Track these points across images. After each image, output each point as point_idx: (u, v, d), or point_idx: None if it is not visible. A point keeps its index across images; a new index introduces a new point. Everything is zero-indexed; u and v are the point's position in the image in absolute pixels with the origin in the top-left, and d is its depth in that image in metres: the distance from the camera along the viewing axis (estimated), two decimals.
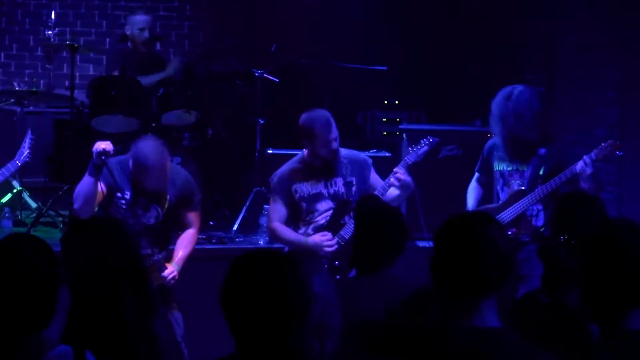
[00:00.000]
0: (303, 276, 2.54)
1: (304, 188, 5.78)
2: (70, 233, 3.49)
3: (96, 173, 5.28)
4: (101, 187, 5.31)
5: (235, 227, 7.38)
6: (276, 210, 5.82)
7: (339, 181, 5.78)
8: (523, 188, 5.69)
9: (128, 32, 7.94)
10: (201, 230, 7.27)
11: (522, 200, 5.65)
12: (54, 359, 2.72)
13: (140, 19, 7.95)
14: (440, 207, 6.39)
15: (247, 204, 7.54)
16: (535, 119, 5.69)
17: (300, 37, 8.33)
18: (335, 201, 5.76)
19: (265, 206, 7.71)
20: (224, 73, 8.50)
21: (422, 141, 5.79)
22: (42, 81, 8.62)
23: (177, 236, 5.72)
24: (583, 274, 2.86)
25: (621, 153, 5.52)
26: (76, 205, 5.41)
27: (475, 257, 2.60)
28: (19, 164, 6.46)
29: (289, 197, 5.78)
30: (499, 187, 5.89)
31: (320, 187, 5.78)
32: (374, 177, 5.86)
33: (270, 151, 7.67)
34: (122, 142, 6.51)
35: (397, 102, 9.00)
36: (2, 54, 9.42)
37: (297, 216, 5.82)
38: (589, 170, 5.40)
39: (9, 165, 6.44)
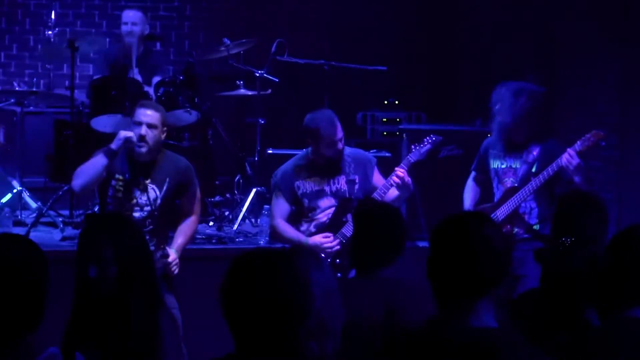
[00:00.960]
0: (302, 276, 2.54)
1: (307, 185, 5.78)
2: (89, 228, 3.50)
3: (111, 157, 5.35)
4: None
5: (235, 227, 7.38)
6: (278, 207, 5.82)
7: (342, 179, 5.79)
8: (515, 185, 5.70)
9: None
10: (201, 230, 7.32)
11: (514, 196, 5.65)
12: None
13: (125, 13, 7.95)
14: (440, 207, 6.40)
15: (247, 204, 7.54)
16: (528, 117, 5.69)
17: (300, 37, 8.32)
18: (337, 199, 5.77)
19: (266, 206, 7.70)
20: (224, 73, 8.49)
21: (424, 140, 5.79)
22: (42, 81, 8.62)
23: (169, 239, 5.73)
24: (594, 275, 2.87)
25: (604, 143, 5.51)
26: (78, 183, 5.45)
27: (471, 257, 2.60)
28: None
29: (291, 194, 5.78)
30: (494, 185, 5.90)
31: (322, 185, 5.78)
32: (377, 177, 5.86)
33: (270, 151, 7.67)
34: None
35: (397, 102, 9.00)
36: (2, 54, 9.42)
37: (300, 213, 5.82)
38: (574, 162, 5.39)
39: None
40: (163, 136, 5.59)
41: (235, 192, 7.95)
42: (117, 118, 7.31)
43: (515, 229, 5.68)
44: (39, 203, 7.52)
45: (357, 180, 5.79)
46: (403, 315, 3.82)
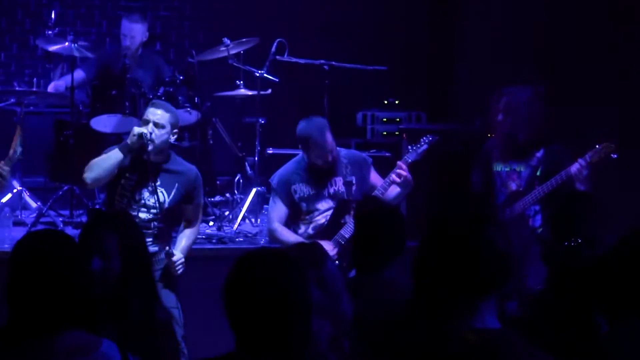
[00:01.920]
0: (305, 277, 2.55)
1: (304, 188, 5.79)
2: (94, 223, 3.54)
3: (126, 153, 5.37)
4: None
5: (235, 227, 7.38)
6: (276, 211, 5.83)
7: (339, 181, 5.79)
8: (520, 189, 5.70)
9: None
10: (201, 230, 7.32)
11: (520, 200, 5.65)
12: (105, 354, 2.74)
13: (124, 24, 7.91)
14: (440, 207, 6.39)
15: (247, 204, 7.54)
16: (532, 120, 5.69)
17: (300, 37, 8.32)
18: (335, 201, 5.77)
19: (266, 206, 7.70)
20: (224, 73, 8.49)
21: (422, 140, 5.80)
22: (42, 81, 8.62)
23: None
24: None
25: (616, 156, 5.52)
26: (91, 176, 5.47)
27: (474, 258, 2.60)
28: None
29: (288, 198, 5.79)
30: (497, 188, 5.89)
31: (320, 187, 5.79)
32: (374, 177, 5.86)
33: (270, 151, 7.68)
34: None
35: (397, 102, 9.00)
36: (2, 54, 9.42)
37: (298, 216, 5.83)
38: (584, 172, 5.41)
39: None
40: (172, 138, 5.58)
41: (235, 192, 7.95)
42: (117, 118, 7.31)
43: (520, 233, 5.67)
44: (39, 203, 7.52)
45: (354, 182, 5.80)
46: (404, 314, 3.82)
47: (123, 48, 7.83)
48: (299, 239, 5.70)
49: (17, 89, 8.33)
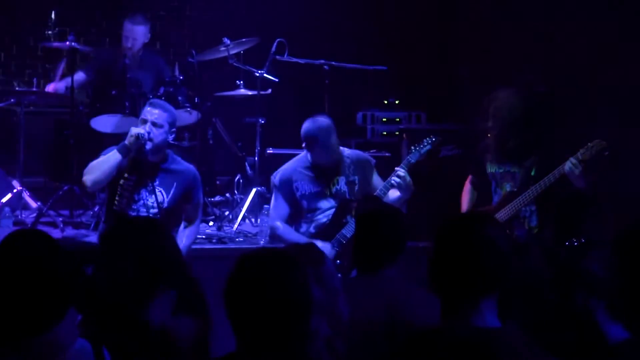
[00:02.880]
0: (306, 277, 2.55)
1: (306, 186, 5.79)
2: (119, 230, 3.52)
3: (125, 154, 5.37)
4: None
5: (235, 227, 7.38)
6: (277, 209, 5.83)
7: (342, 180, 5.79)
8: (514, 190, 5.70)
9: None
10: (201, 230, 7.32)
11: (514, 201, 5.65)
12: (74, 355, 2.72)
13: (126, 26, 7.90)
14: (440, 207, 6.40)
15: (247, 204, 7.54)
16: (518, 123, 5.69)
17: (300, 37, 8.32)
18: (337, 200, 5.77)
19: (266, 206, 7.70)
20: (224, 73, 8.49)
21: (424, 140, 5.79)
22: (42, 81, 8.62)
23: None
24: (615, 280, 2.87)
25: (608, 153, 5.52)
26: (91, 178, 5.47)
27: (475, 257, 2.60)
28: None
29: (290, 195, 5.79)
30: (492, 189, 5.90)
31: (322, 186, 5.79)
32: (377, 178, 5.87)
33: (270, 151, 7.67)
34: None
35: (397, 102, 9.00)
36: (2, 54, 9.42)
37: (299, 214, 5.82)
38: (577, 170, 5.41)
39: None
40: (171, 137, 5.60)
41: (235, 192, 7.95)
42: (117, 118, 7.32)
43: (515, 233, 5.68)
44: (39, 203, 7.52)
45: (357, 182, 5.80)
46: (405, 314, 3.83)
47: (124, 49, 7.83)
48: (301, 237, 5.70)
49: (17, 89, 8.32)
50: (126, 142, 5.48)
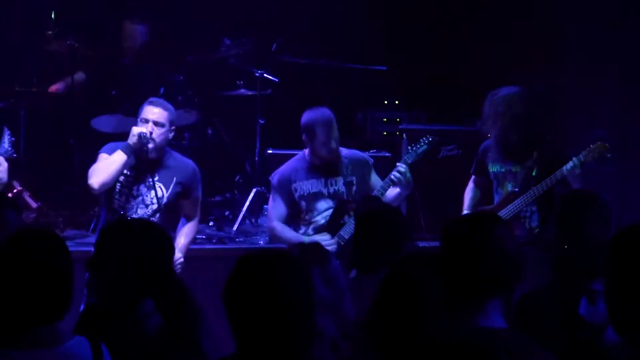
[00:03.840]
0: (307, 278, 2.55)
1: (304, 187, 5.79)
2: (117, 232, 3.53)
3: (130, 153, 5.38)
4: None
5: (235, 227, 7.37)
6: (276, 209, 5.83)
7: (339, 181, 5.79)
8: (516, 190, 5.69)
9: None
10: (201, 229, 7.32)
11: (515, 201, 5.65)
12: (71, 348, 2.73)
13: (127, 26, 7.91)
14: (440, 207, 6.40)
15: (247, 204, 7.54)
16: (519, 122, 5.69)
17: (300, 37, 8.32)
18: (335, 201, 5.77)
19: (265, 206, 7.69)
20: (224, 73, 8.49)
21: (421, 140, 5.79)
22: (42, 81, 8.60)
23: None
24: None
25: (610, 155, 5.52)
26: (98, 181, 5.46)
27: (482, 257, 2.60)
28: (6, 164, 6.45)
29: (289, 196, 5.79)
30: (494, 189, 5.90)
31: (320, 186, 5.79)
32: (375, 178, 5.86)
33: (270, 151, 7.67)
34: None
35: (397, 102, 9.00)
36: (2, 54, 9.41)
37: (297, 215, 5.82)
38: (578, 172, 5.42)
39: None
40: (171, 135, 5.61)
41: (235, 192, 7.95)
42: (117, 118, 7.32)
43: (515, 233, 5.67)
44: (39, 203, 7.52)
45: (354, 182, 5.79)
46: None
47: (124, 48, 7.83)
48: (299, 237, 5.69)
49: (17, 89, 8.32)
50: (129, 141, 5.48)
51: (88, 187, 5.58)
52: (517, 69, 7.95)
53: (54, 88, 8.05)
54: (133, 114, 7.17)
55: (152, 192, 5.46)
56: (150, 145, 5.45)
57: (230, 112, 8.55)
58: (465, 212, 6.05)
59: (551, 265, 3.92)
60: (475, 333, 2.56)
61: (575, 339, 3.37)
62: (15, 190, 7.52)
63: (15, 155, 6.52)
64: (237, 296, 2.50)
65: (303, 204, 5.78)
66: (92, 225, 7.05)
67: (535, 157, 5.72)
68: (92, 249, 3.42)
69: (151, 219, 5.47)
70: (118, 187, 5.50)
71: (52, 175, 7.86)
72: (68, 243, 6.70)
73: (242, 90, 7.93)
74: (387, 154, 7.58)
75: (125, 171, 5.51)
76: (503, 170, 5.83)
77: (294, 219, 5.85)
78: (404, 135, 7.47)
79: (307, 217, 5.80)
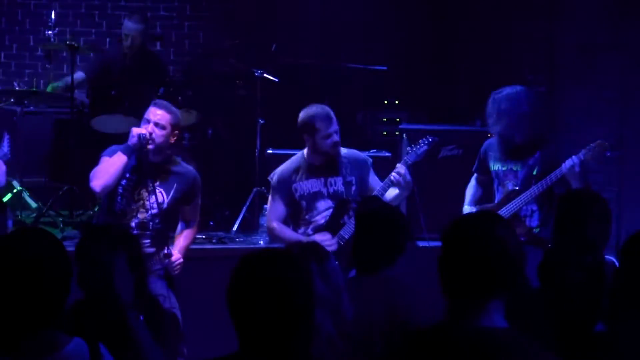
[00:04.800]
0: (309, 277, 2.56)
1: (304, 186, 5.78)
2: (94, 238, 3.60)
3: (130, 154, 5.38)
4: None
5: (235, 227, 7.38)
6: (275, 209, 5.83)
7: (339, 180, 5.78)
8: (517, 188, 5.70)
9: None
10: (201, 230, 7.32)
11: (516, 200, 5.66)
12: (71, 352, 2.71)
13: (125, 24, 7.91)
14: (440, 207, 6.41)
15: (247, 204, 7.54)
16: (524, 120, 5.69)
17: (300, 37, 8.33)
18: (334, 200, 5.76)
19: (266, 206, 7.70)
20: (224, 73, 8.50)
21: (421, 141, 5.78)
22: (42, 81, 8.62)
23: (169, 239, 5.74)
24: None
25: (609, 154, 5.53)
26: (100, 183, 5.46)
27: (484, 257, 2.60)
28: (4, 167, 6.47)
29: (288, 196, 5.78)
30: (495, 187, 5.90)
31: (319, 186, 5.78)
32: (373, 178, 5.86)
33: (270, 151, 7.67)
34: (122, 143, 6.51)
35: (397, 102, 9.00)
36: (2, 54, 9.42)
37: (297, 215, 5.82)
38: (578, 170, 5.42)
39: None
40: (173, 139, 5.58)
41: (236, 192, 7.95)
42: (117, 118, 7.32)
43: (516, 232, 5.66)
44: (39, 203, 7.52)
45: (354, 182, 5.78)
46: (404, 313, 3.83)
47: (124, 48, 7.84)
48: (299, 236, 5.68)
49: (17, 89, 8.33)
50: (129, 142, 5.48)
51: (91, 190, 5.59)
52: (517, 68, 7.96)
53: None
54: (133, 114, 7.19)
55: (153, 197, 5.45)
56: (150, 147, 5.45)
57: (230, 112, 8.56)
58: (465, 207, 6.06)
59: (538, 267, 3.92)
60: (476, 332, 2.56)
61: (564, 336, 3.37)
62: (15, 190, 7.54)
63: (9, 157, 6.53)
64: (240, 295, 2.50)
65: (304, 203, 5.78)
66: None
67: (537, 157, 5.72)
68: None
69: (150, 223, 5.48)
70: (120, 190, 5.51)
71: (52, 175, 7.86)
72: (68, 243, 6.75)
73: (242, 90, 7.93)
74: (387, 154, 7.58)
75: (126, 174, 5.50)
76: (504, 169, 5.83)
77: (293, 218, 5.85)
78: (404, 135, 7.47)
79: (307, 217, 5.80)
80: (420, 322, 3.53)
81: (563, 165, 5.49)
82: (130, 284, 3.70)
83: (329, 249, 5.55)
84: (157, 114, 5.53)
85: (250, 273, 2.52)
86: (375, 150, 7.60)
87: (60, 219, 7.34)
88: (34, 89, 8.08)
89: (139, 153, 5.47)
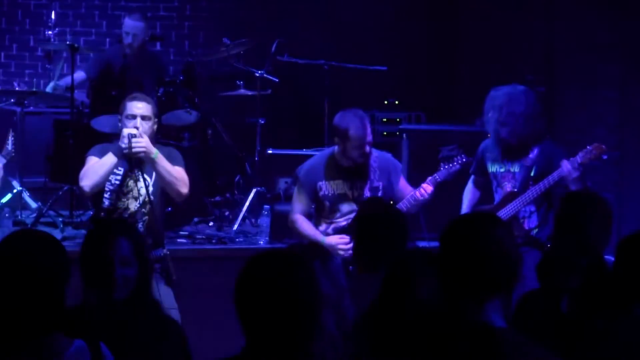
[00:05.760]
0: (316, 278, 2.57)
1: (330, 187, 5.70)
2: (102, 231, 3.61)
3: (120, 156, 5.38)
4: None
5: (235, 227, 7.37)
6: (300, 203, 5.76)
7: (366, 186, 5.70)
8: (515, 190, 5.69)
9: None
10: (201, 230, 7.32)
11: (514, 202, 5.64)
12: (72, 357, 2.70)
13: (127, 22, 7.92)
14: (440, 207, 6.39)
15: (247, 204, 7.54)
16: (521, 121, 5.67)
17: (300, 37, 8.32)
18: (359, 204, 5.66)
19: (266, 206, 7.71)
20: (224, 73, 8.50)
21: (455, 159, 5.73)
22: (42, 81, 8.62)
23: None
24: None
25: (607, 157, 5.52)
26: (89, 183, 5.45)
27: (481, 257, 2.60)
28: (4, 161, 6.48)
29: (313, 193, 5.72)
30: (493, 188, 5.89)
31: (345, 189, 5.70)
32: (403, 183, 5.79)
33: (270, 151, 7.67)
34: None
35: (397, 102, 9.00)
36: (2, 54, 9.43)
37: (320, 213, 5.76)
38: (575, 174, 5.42)
39: None
40: (155, 127, 5.58)
41: (235, 192, 7.95)
42: (117, 118, 7.31)
43: (514, 233, 5.65)
44: (39, 203, 7.52)
45: (380, 187, 5.69)
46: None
47: (125, 46, 7.84)
48: (318, 234, 5.63)
49: (17, 89, 8.33)
50: (121, 144, 5.43)
51: (81, 190, 5.58)
52: (517, 68, 7.96)
53: (50, 87, 8.06)
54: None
55: (138, 184, 5.44)
56: (142, 154, 5.41)
57: (230, 112, 8.56)
58: (464, 212, 6.03)
59: (537, 268, 3.92)
60: (475, 333, 2.56)
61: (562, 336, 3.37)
62: (15, 190, 7.53)
63: (13, 154, 6.55)
64: (248, 295, 2.51)
65: (327, 203, 5.71)
66: None
67: (533, 157, 5.71)
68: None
69: (141, 211, 5.46)
70: (107, 187, 5.49)
71: (52, 175, 7.85)
72: (68, 243, 6.74)
73: (242, 90, 7.93)
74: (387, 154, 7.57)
75: (114, 171, 5.49)
76: (502, 170, 5.81)
77: (317, 215, 5.78)
78: (404, 135, 7.47)
79: (329, 217, 5.74)
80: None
81: (561, 168, 5.47)
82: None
83: (344, 253, 5.53)
84: (139, 107, 5.52)
85: (258, 273, 2.53)
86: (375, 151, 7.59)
87: (60, 219, 7.34)
88: (34, 89, 8.08)
89: (130, 152, 5.44)
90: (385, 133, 8.63)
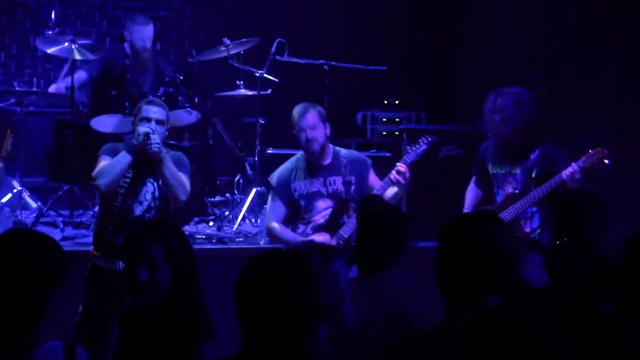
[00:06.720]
0: (316, 279, 2.58)
1: (303, 186, 5.81)
2: (137, 234, 3.65)
3: (135, 153, 5.40)
4: None
5: (235, 227, 7.37)
6: (275, 209, 5.85)
7: (338, 180, 5.80)
8: (517, 192, 5.68)
9: (127, 37, 7.91)
10: (201, 230, 7.32)
11: (516, 204, 5.64)
12: (42, 355, 2.72)
13: (141, 29, 7.87)
14: (440, 207, 6.40)
15: (247, 204, 7.54)
16: (523, 122, 5.67)
17: (301, 37, 8.32)
18: (333, 200, 5.77)
19: (265, 206, 7.70)
20: (224, 73, 8.49)
21: (420, 140, 5.79)
22: (42, 81, 8.61)
23: None
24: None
25: (609, 161, 5.52)
26: (104, 182, 5.47)
27: (480, 256, 2.59)
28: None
29: (288, 196, 5.81)
30: (494, 190, 5.89)
31: (318, 186, 5.80)
32: (373, 178, 5.87)
33: (270, 151, 7.67)
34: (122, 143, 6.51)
35: (397, 102, 9.00)
36: (2, 54, 9.42)
37: (296, 215, 5.83)
38: (577, 177, 5.42)
39: None
40: (166, 134, 5.66)
41: (235, 192, 7.95)
42: (117, 118, 7.31)
43: (515, 234, 5.66)
44: (39, 203, 7.52)
45: (353, 181, 5.81)
46: (405, 315, 3.83)
47: (140, 50, 7.80)
48: (297, 237, 5.70)
49: (17, 89, 8.32)
50: (134, 142, 5.47)
51: (97, 188, 5.60)
52: (517, 68, 7.95)
53: (53, 88, 8.06)
54: (133, 114, 7.19)
55: (145, 188, 5.48)
56: (151, 150, 5.43)
57: (230, 112, 8.55)
58: (465, 212, 6.03)
59: (545, 266, 3.91)
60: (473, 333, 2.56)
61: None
62: (15, 190, 7.53)
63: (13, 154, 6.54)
64: (249, 295, 2.51)
65: (302, 202, 5.80)
66: (92, 225, 7.04)
67: (534, 158, 5.71)
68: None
69: (146, 215, 5.48)
70: (119, 189, 5.51)
71: (52, 175, 7.85)
72: (68, 243, 6.73)
73: (242, 90, 7.93)
74: (387, 154, 7.58)
75: (126, 172, 5.51)
76: (503, 171, 5.81)
77: (293, 218, 5.86)
78: (404, 135, 7.47)
79: (306, 216, 5.81)
80: (421, 322, 3.53)
81: (563, 172, 5.47)
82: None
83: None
84: (155, 111, 5.57)
85: (258, 273, 2.53)
86: (375, 150, 7.60)
87: (60, 219, 7.34)
88: (34, 89, 8.08)
89: (143, 152, 5.47)
90: (385, 133, 8.64)
